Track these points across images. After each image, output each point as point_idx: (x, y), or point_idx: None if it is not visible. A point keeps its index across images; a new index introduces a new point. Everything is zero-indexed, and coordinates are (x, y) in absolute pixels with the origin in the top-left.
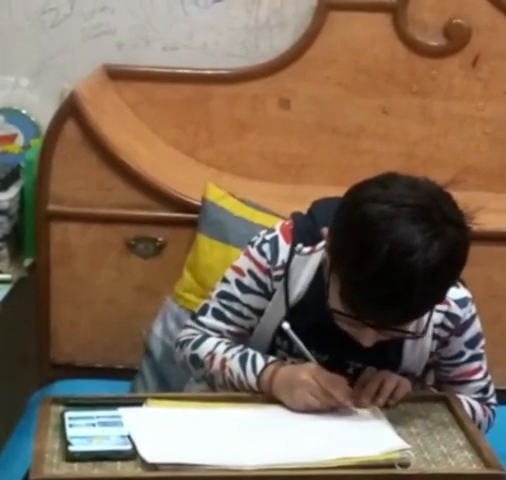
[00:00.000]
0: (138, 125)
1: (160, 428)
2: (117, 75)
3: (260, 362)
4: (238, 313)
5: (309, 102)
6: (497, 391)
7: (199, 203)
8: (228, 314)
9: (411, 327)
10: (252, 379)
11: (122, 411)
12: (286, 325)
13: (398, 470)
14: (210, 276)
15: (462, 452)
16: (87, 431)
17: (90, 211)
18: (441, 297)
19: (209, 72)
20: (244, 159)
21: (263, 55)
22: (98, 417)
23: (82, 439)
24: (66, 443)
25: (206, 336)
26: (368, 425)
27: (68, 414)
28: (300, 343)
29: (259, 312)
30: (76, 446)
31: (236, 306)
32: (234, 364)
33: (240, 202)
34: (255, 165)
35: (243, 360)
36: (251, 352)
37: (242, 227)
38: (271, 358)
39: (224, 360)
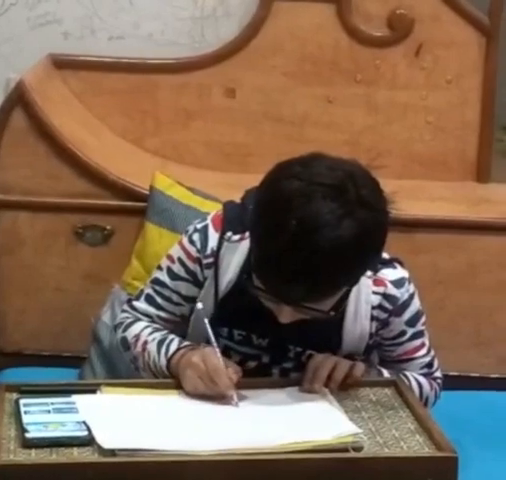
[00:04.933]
0: (85, 114)
1: (115, 414)
2: (63, 64)
3: (173, 346)
4: (168, 299)
5: (254, 91)
6: (443, 376)
7: (147, 192)
8: (159, 300)
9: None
10: (163, 362)
11: (76, 398)
12: (199, 305)
13: (352, 454)
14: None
15: (413, 436)
16: (43, 418)
17: (38, 200)
18: (351, 278)
19: (155, 61)
20: (190, 148)
21: (209, 45)
22: (53, 404)
23: (38, 426)
24: (22, 430)
25: (137, 320)
26: (320, 410)
27: (23, 401)
28: (208, 326)
29: (189, 299)
30: (32, 433)
31: (166, 292)
32: (152, 347)
33: (188, 191)
34: (201, 154)
35: (160, 344)
36: (171, 337)
37: (190, 215)
38: (185, 343)
39: (145, 343)
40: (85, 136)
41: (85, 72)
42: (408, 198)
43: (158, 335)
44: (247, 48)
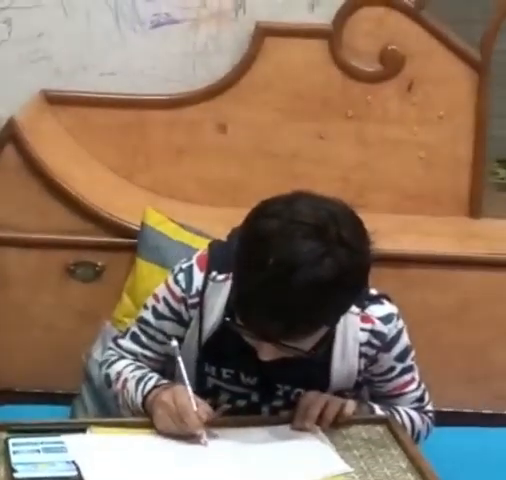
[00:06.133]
0: (76, 150)
1: (104, 454)
2: (55, 101)
3: (150, 384)
4: (152, 338)
5: (246, 127)
6: (435, 413)
7: (138, 228)
8: (143, 338)
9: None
10: (139, 400)
11: (65, 438)
12: (174, 342)
13: None
14: None
15: (405, 474)
16: (32, 457)
17: (28, 236)
18: (329, 318)
19: (146, 97)
20: (181, 184)
21: (200, 80)
22: (42, 443)
23: (27, 466)
24: (11, 470)
25: (121, 357)
26: (312, 449)
27: (12, 441)
28: (181, 364)
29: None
30: (21, 473)
31: (151, 331)
32: (131, 385)
33: (179, 227)
34: (192, 190)
35: (139, 381)
36: (150, 375)
37: (181, 252)
38: (162, 381)
39: (126, 380)
40: (76, 172)
41: (77, 108)
42: (399, 233)
43: (138, 373)
44: (239, 84)
